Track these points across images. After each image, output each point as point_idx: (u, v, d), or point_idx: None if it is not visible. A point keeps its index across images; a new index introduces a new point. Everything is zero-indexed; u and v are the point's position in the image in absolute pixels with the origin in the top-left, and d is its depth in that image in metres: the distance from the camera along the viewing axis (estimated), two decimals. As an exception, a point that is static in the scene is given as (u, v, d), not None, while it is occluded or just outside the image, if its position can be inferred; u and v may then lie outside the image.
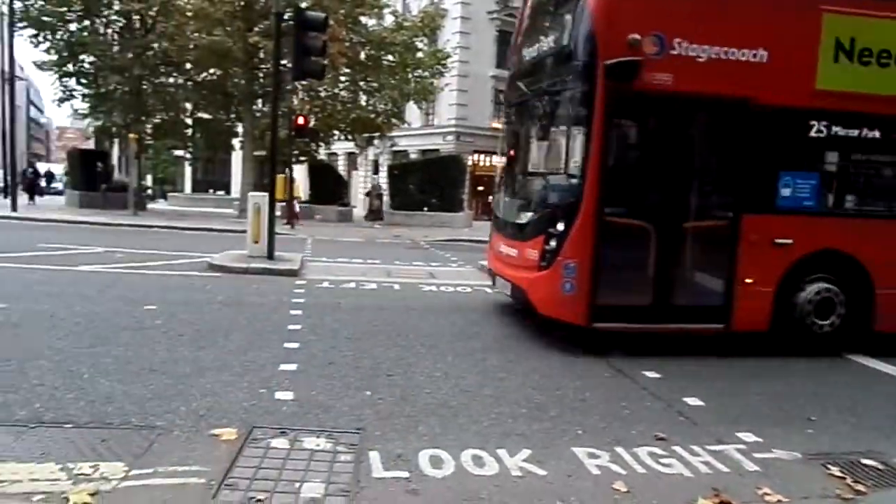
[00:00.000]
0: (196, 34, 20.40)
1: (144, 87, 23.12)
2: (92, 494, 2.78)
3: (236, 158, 34.01)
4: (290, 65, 12.66)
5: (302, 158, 25.39)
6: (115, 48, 23.67)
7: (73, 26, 23.10)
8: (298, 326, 6.21)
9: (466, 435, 3.73)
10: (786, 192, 6.03)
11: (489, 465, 3.36)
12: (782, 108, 5.88)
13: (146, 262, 10.03)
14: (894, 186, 6.60)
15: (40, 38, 22.50)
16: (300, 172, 27.19)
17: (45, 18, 22.10)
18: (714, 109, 6.06)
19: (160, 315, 6.31)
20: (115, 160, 32.41)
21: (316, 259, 11.95)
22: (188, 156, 33.37)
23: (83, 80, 23.96)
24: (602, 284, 5.69)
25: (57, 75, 23.44)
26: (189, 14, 20.34)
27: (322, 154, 29.45)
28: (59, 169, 42.40)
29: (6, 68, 22.85)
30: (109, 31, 24.38)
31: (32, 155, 57.78)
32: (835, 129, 6.07)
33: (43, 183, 32.14)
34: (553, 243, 5.79)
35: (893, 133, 6.25)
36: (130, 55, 22.41)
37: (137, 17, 22.96)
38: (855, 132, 6.13)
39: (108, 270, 9.10)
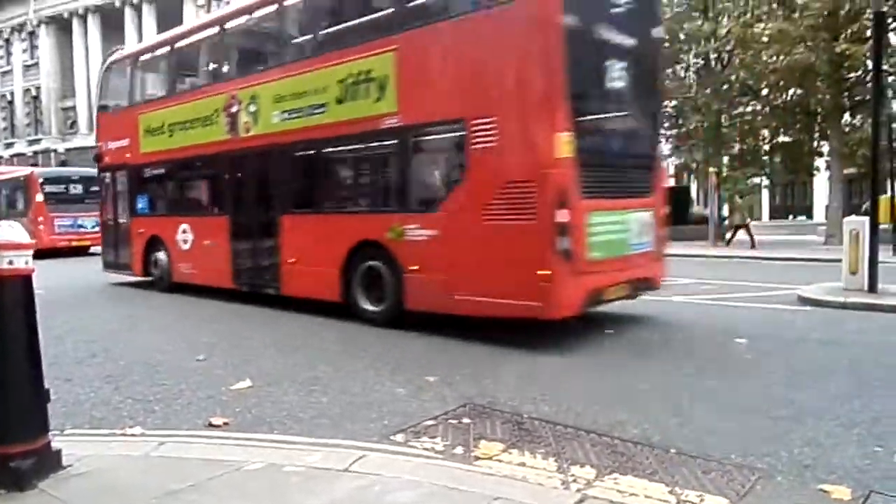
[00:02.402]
0: (774, 57, 19.78)
1: (723, 120, 23.67)
2: (700, 525, 2.86)
3: (819, 181, 31.36)
4: (889, 67, 10.99)
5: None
6: (694, 89, 25.01)
7: (657, 77, 25.59)
8: (919, 376, 5.18)
9: None
10: (140, 205, 11.97)
11: None
12: (135, 165, 11.94)
13: (731, 294, 10.10)
14: (181, 200, 11.44)
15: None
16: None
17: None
18: (121, 170, 12.40)
19: (751, 349, 6.21)
20: (693, 194, 34.08)
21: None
22: (766, 183, 32.44)
23: (667, 124, 26.12)
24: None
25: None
26: (765, 39, 19.88)
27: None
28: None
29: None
30: (689, 74, 25.97)
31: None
32: (153, 171, 11.75)
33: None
34: None
35: (181, 169, 11.21)
36: (708, 91, 23.32)
37: (714, 55, 23.77)
38: (160, 170, 11.57)
39: (697, 301, 9.52)
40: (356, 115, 7.75)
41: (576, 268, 6.27)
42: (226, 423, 4.25)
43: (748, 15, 20.37)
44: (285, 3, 8.91)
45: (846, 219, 10.32)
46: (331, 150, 8.46)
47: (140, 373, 5.61)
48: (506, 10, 6.47)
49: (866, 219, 9.29)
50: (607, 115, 7.30)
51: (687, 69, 25.80)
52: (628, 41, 7.23)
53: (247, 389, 5.04)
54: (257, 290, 9.41)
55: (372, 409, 4.54)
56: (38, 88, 46.07)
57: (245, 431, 4.08)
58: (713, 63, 24.27)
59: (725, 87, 23.06)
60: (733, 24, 20.63)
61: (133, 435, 4.02)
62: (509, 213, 6.35)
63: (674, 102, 25.09)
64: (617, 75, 7.01)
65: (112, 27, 40.44)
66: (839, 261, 9.90)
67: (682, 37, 23.82)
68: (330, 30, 8.72)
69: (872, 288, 9.00)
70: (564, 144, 6.06)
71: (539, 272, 6.12)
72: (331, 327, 7.68)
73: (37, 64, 45.76)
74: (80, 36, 42.93)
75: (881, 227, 9.99)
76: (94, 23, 42.40)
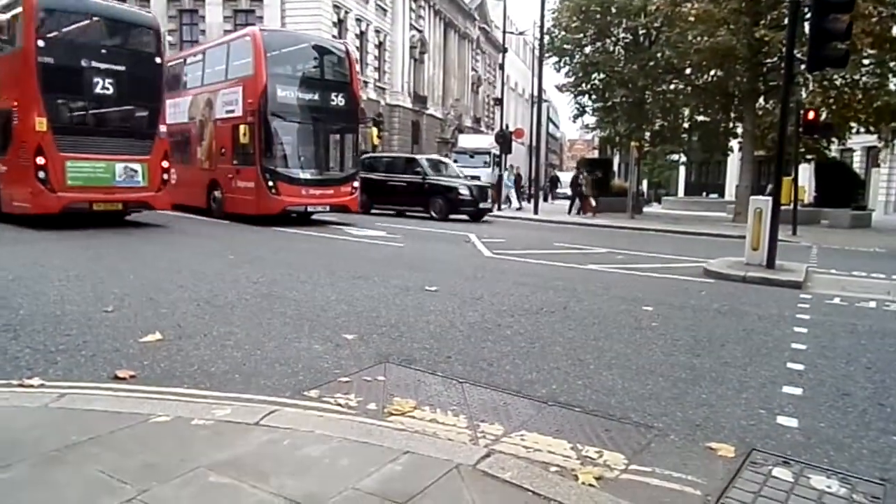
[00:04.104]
0: (699, 38, 20.43)
1: (647, 96, 24.34)
2: (597, 478, 3.02)
3: (732, 160, 32.90)
4: (802, 55, 11.54)
5: (809, 157, 22.93)
6: (622, 63, 25.56)
7: (587, 49, 25.98)
8: (803, 346, 5.60)
9: None
10: None
11: None
12: None
13: (643, 264, 10.55)
14: None
15: (561, 64, 26.05)
16: (804, 172, 24.63)
17: (565, 46, 25.43)
18: None
19: (656, 317, 6.53)
20: (616, 167, 35.09)
21: (823, 270, 10.62)
22: (683, 160, 33.76)
23: (593, 97, 26.66)
24: None
25: (573, 94, 26.69)
26: (692, 19, 20.48)
27: (833, 151, 26.03)
28: (567, 176, 48.21)
29: (535, 93, 27.10)
30: (617, 48, 26.49)
31: (550, 165, 67.34)
32: None
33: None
34: None
35: None
36: (635, 67, 23.89)
37: (643, 31, 24.31)
38: None
39: (610, 270, 9.89)
40: None
41: (52, 188, 11.75)
42: (132, 377, 4.13)
43: (677, -7, 20.91)
44: None
45: (752, 197, 10.89)
46: None
47: None
48: (17, 52, 12.06)
49: (770, 198, 9.83)
50: (88, 109, 12.66)
51: (616, 43, 26.30)
52: (116, 68, 12.47)
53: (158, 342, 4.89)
54: None
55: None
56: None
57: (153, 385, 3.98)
58: (641, 39, 24.84)
59: (651, 63, 23.68)
60: (662, 1, 21.11)
61: (31, 386, 3.83)
62: (21, 158, 11.85)
63: (601, 75, 25.59)
64: (101, 87, 12.35)
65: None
66: (745, 237, 10.50)
67: (613, 10, 24.20)
68: None
69: (771, 264, 9.62)
70: (39, 123, 11.58)
71: (28, 189, 11.71)
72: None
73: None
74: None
75: (783, 207, 10.62)
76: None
